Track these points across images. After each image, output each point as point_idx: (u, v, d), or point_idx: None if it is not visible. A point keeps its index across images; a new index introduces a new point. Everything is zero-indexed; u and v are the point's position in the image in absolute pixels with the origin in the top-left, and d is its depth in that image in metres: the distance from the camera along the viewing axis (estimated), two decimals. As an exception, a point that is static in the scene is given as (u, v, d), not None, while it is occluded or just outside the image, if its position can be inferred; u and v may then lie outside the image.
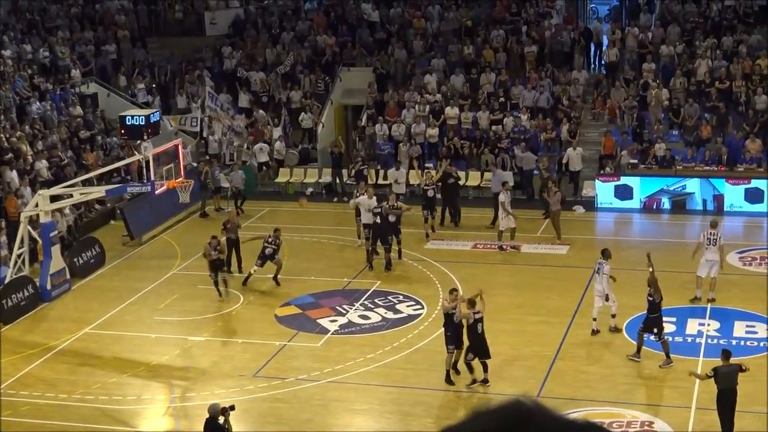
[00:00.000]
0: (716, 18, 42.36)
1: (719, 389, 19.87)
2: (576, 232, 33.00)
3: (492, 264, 29.87)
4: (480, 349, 22.18)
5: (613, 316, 24.99)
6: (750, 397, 21.18)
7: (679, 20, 42.63)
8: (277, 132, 40.36)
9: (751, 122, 37.00)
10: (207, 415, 18.87)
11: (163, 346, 25.25)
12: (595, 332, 24.84)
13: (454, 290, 23.42)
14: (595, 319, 24.89)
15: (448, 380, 22.49)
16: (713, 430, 20.10)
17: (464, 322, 22.20)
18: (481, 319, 22.05)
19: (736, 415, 19.86)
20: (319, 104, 41.94)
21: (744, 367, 20.12)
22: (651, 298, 22.95)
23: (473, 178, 37.15)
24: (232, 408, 18.96)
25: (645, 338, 23.09)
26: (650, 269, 23.34)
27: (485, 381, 22.36)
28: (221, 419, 18.70)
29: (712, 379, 19.86)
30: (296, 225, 34.24)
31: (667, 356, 22.99)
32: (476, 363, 22.33)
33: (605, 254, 24.99)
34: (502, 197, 31.12)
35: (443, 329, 22.81)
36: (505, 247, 31.23)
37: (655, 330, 22.92)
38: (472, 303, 22.22)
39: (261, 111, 41.53)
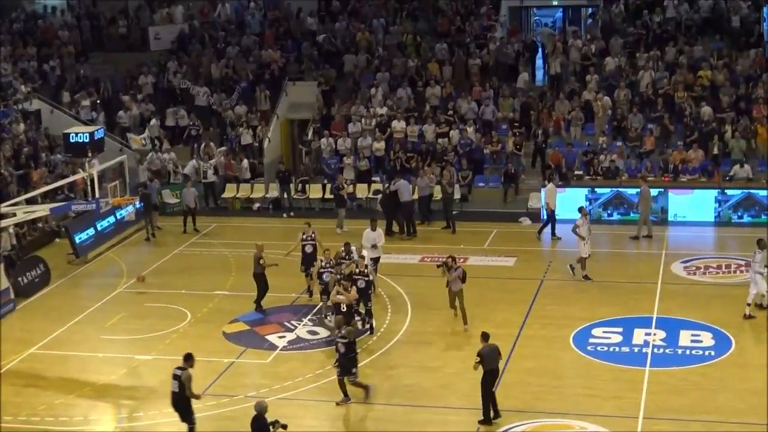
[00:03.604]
0: (657, 30, 42.84)
1: (485, 370, 20.92)
2: (522, 244, 33.18)
3: (438, 277, 29.77)
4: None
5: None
6: (697, 405, 21.48)
7: (621, 32, 43.09)
8: (222, 149, 40.27)
9: (694, 132, 37.44)
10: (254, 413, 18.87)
11: (110, 366, 25.00)
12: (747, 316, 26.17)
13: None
14: (749, 305, 26.22)
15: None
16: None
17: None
18: None
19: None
20: (264, 119, 41.90)
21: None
22: (345, 340, 22.31)
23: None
24: (284, 426, 18.95)
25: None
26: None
27: None
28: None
29: (480, 364, 20.87)
30: (243, 241, 34.10)
31: (345, 395, 22.42)
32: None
33: (760, 244, 26.16)
34: (579, 222, 29.53)
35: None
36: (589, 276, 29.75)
37: (353, 370, 22.33)
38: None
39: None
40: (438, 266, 27.02)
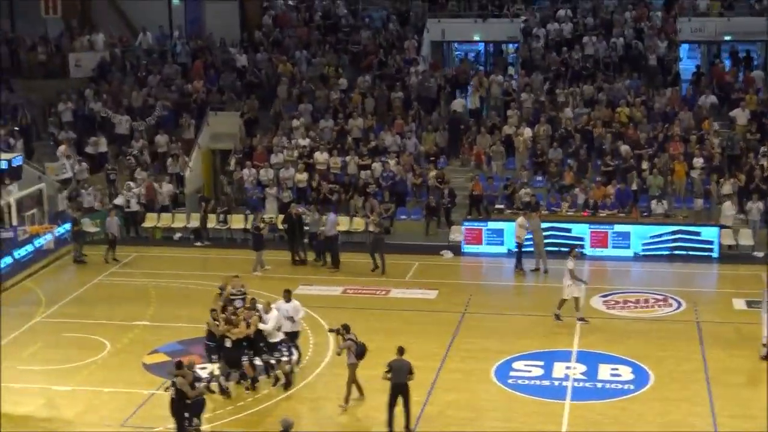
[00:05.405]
0: (576, 67, 43.54)
1: (392, 383, 21.71)
2: (444, 277, 33.36)
3: (361, 309, 29.90)
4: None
5: None
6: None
7: (541, 68, 43.73)
8: (142, 176, 39.91)
9: (611, 168, 38.05)
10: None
11: (26, 397, 24.54)
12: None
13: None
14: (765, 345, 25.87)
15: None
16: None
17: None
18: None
19: None
20: (186, 149, 41.71)
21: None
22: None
23: (343, 223, 37.10)
24: None
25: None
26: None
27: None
28: None
29: (389, 374, 21.77)
30: (163, 271, 33.86)
31: None
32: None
33: None
34: (570, 264, 28.61)
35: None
36: (561, 317, 28.85)
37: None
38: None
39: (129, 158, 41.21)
40: (329, 330, 24.79)
